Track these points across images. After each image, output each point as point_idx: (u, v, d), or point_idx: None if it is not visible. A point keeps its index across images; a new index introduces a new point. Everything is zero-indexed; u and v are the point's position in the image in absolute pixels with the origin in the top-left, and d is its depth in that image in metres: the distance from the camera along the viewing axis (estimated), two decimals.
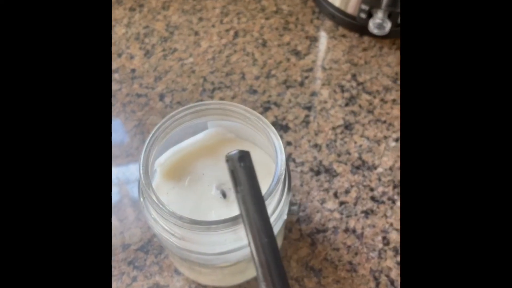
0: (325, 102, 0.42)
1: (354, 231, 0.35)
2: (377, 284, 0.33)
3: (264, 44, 0.46)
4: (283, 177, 0.25)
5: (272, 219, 0.26)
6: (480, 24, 0.15)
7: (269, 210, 0.25)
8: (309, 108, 0.42)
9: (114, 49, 0.45)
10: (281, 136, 0.34)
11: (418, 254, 0.16)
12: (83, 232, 0.19)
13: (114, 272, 0.34)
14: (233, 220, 0.23)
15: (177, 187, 0.29)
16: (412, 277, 0.16)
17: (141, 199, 0.26)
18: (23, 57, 0.19)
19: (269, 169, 0.29)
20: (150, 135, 0.26)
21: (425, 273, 0.16)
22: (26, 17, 0.19)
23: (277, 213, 0.26)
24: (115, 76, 0.44)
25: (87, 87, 0.20)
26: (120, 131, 0.40)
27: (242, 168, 0.20)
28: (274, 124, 0.41)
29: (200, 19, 0.48)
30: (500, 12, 0.15)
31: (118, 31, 0.47)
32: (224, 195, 0.29)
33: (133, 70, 0.44)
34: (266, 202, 0.24)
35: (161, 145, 0.28)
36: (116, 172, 0.38)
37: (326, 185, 0.38)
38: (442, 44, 0.15)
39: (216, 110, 0.28)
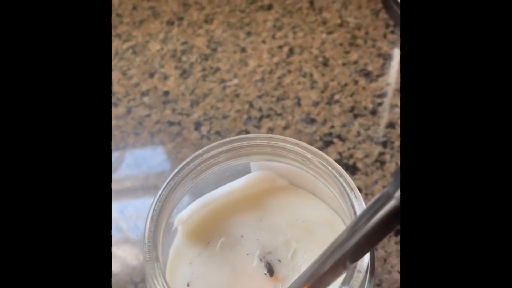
0: None
1: None
2: None
3: (325, 63, 0.38)
4: (366, 264, 0.16)
5: None
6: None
7: None
8: (384, 144, 0.33)
9: (146, 68, 0.39)
10: None
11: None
12: None
13: None
14: None
15: (205, 254, 0.22)
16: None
17: (150, 279, 0.18)
18: None
19: (335, 231, 0.22)
20: (162, 188, 0.18)
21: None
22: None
23: None
24: (144, 99, 0.37)
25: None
26: (143, 167, 0.33)
27: None
28: (337, 163, 0.32)
29: (249, 33, 0.41)
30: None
31: (152, 48, 0.40)
32: (270, 270, 0.21)
33: (166, 93, 0.37)
34: None
35: (183, 194, 0.20)
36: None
37: None
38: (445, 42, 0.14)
39: (263, 148, 0.19)
